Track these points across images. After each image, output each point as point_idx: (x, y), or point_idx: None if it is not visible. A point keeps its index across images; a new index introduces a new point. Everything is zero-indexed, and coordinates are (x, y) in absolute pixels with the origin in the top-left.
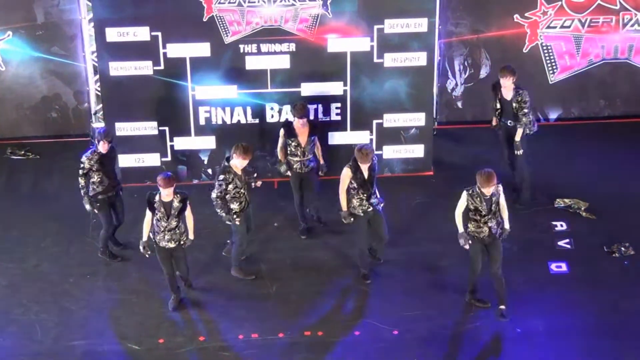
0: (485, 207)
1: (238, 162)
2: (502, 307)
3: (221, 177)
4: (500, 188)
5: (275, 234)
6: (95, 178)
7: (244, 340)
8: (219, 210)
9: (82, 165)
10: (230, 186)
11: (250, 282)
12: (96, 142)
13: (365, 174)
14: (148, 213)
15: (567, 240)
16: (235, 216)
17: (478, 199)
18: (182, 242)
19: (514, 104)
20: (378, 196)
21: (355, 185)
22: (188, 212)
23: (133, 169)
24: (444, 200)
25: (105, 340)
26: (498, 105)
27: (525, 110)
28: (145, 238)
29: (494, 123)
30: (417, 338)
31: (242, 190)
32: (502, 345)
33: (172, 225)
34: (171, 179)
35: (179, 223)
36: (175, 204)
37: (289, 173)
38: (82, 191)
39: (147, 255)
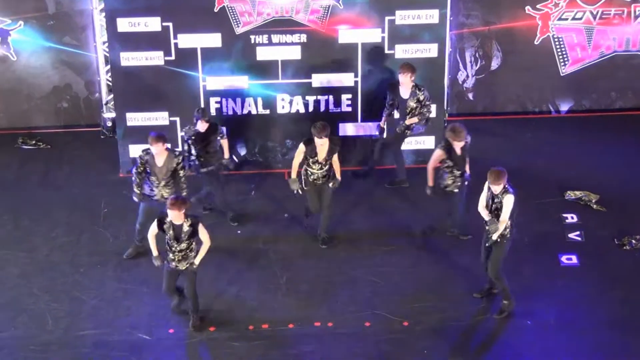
0: (490, 203)
1: (152, 149)
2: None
3: (140, 153)
4: (507, 198)
5: (286, 224)
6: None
7: (254, 331)
8: (134, 185)
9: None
10: (145, 171)
11: (261, 273)
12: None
13: (458, 152)
14: (154, 227)
15: (578, 232)
16: (139, 193)
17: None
18: (192, 263)
19: (412, 103)
20: (467, 172)
21: (450, 163)
22: (205, 237)
23: None
24: None
25: (115, 330)
26: (391, 102)
27: (425, 111)
28: (155, 253)
29: (382, 122)
30: (427, 330)
31: (155, 181)
32: (512, 337)
33: (182, 247)
34: (181, 202)
35: (190, 245)
36: (185, 228)
37: (295, 190)
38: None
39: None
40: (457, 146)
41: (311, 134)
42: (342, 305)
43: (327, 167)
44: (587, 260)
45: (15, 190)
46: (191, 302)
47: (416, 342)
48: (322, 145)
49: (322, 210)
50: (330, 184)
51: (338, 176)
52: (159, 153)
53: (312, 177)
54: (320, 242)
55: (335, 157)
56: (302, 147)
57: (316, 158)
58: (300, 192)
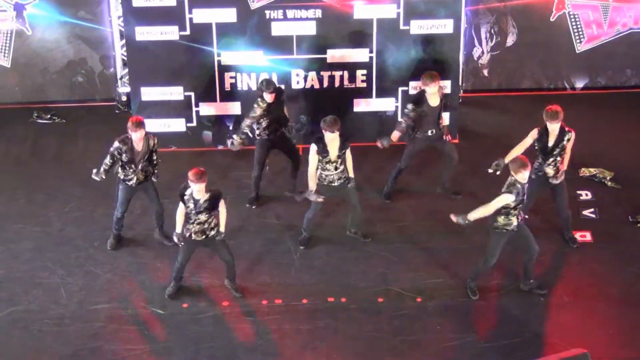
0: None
1: (134, 136)
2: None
3: (116, 145)
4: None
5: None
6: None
7: (267, 306)
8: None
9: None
10: (124, 157)
11: (274, 248)
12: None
13: (551, 139)
14: (181, 205)
15: (592, 209)
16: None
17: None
18: (210, 236)
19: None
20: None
21: (537, 147)
22: (222, 208)
23: (158, 134)
24: (468, 168)
25: (129, 304)
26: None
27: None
28: (179, 230)
29: (395, 138)
30: (440, 306)
31: (133, 167)
32: (526, 315)
33: (201, 219)
34: (203, 174)
35: (209, 218)
36: (202, 201)
37: (320, 199)
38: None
39: (180, 245)
40: (552, 129)
41: (320, 130)
42: (355, 281)
43: (341, 167)
44: (601, 237)
45: (30, 164)
46: (228, 268)
47: (429, 318)
48: (332, 140)
49: (354, 207)
50: (349, 185)
51: (351, 174)
52: (141, 139)
53: (327, 180)
54: (362, 237)
55: (348, 154)
56: (313, 147)
57: (329, 157)
58: (322, 200)
